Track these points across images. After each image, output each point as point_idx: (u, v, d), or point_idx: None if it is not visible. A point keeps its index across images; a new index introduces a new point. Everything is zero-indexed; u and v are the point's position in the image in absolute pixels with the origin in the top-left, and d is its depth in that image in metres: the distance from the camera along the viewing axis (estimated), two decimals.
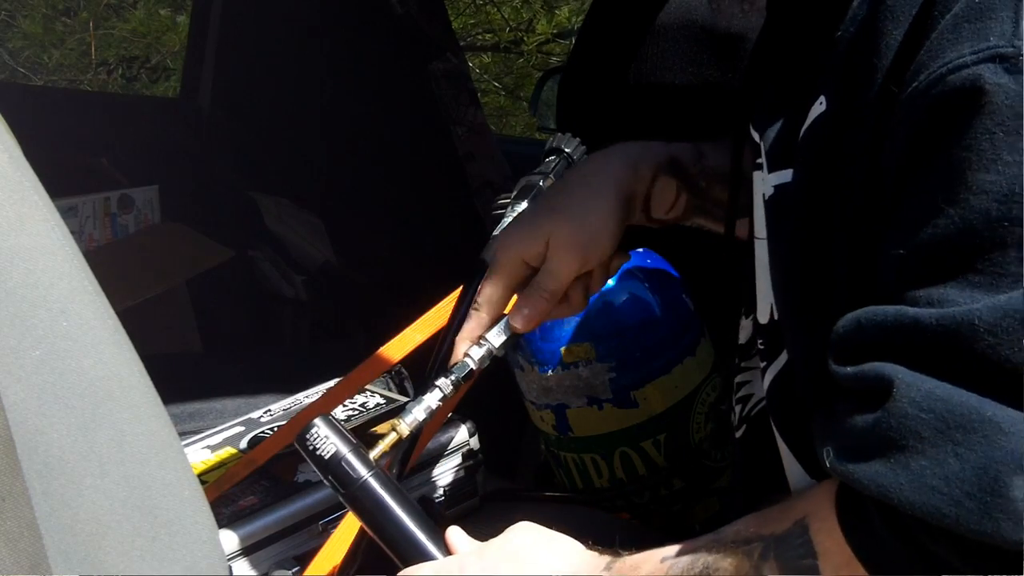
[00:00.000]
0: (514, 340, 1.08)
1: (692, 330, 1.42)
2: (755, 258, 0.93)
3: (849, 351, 0.69)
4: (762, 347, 0.93)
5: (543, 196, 1.14)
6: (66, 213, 2.38)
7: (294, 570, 1.23)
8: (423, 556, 0.97)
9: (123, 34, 4.78)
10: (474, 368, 1.06)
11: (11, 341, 0.68)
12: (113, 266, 2.35)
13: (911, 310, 0.65)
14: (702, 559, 0.78)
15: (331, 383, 1.49)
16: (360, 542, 1.11)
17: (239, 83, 2.81)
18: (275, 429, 1.44)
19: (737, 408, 1.04)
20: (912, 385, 0.63)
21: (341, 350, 1.99)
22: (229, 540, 1.21)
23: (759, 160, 0.90)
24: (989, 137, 0.62)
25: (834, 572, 0.70)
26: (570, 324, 1.37)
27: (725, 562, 0.76)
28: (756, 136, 0.91)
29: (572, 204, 1.07)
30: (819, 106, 0.78)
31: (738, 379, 1.05)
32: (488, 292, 1.07)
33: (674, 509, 1.44)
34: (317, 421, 1.00)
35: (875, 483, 0.65)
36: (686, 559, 0.79)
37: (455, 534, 0.97)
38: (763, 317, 0.92)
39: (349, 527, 1.15)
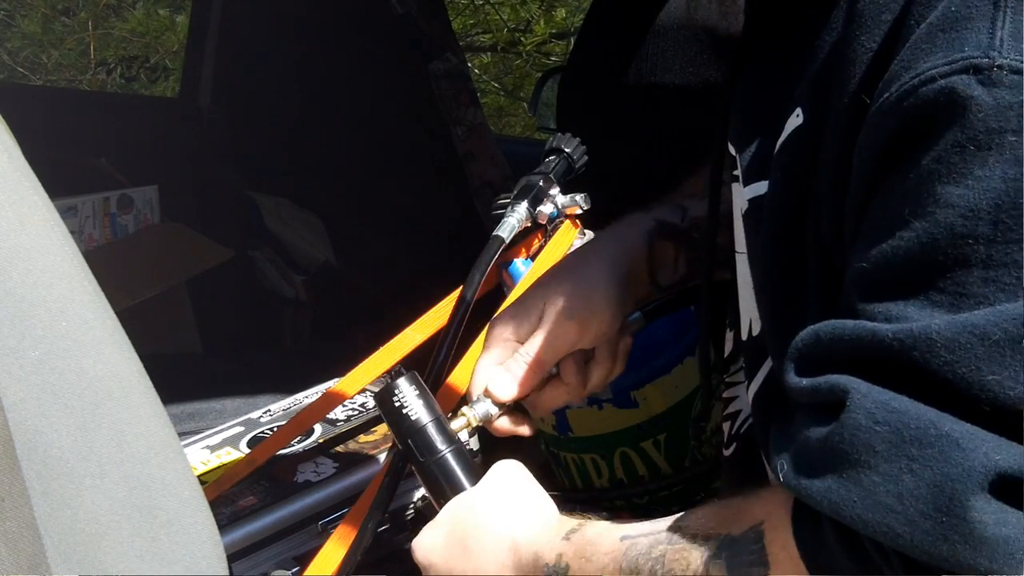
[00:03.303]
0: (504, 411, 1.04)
1: (692, 330, 1.42)
2: (737, 273, 0.93)
3: (807, 364, 0.67)
4: (744, 364, 0.93)
5: (536, 280, 1.11)
6: (66, 213, 2.38)
7: (294, 570, 1.23)
8: None
9: (122, 34, 4.77)
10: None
11: (11, 341, 0.68)
12: (113, 266, 2.35)
13: (869, 324, 0.63)
14: (659, 548, 0.77)
15: (331, 383, 1.49)
16: (360, 542, 1.11)
17: (239, 83, 2.81)
18: (275, 429, 1.44)
19: (726, 425, 1.03)
20: (867, 396, 0.61)
21: (341, 350, 1.99)
22: (229, 540, 1.21)
23: (735, 173, 0.89)
24: (960, 151, 0.60)
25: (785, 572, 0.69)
26: None
27: (679, 555, 0.75)
28: (733, 150, 0.90)
29: (566, 279, 1.05)
30: (796, 118, 0.76)
31: (726, 395, 1.04)
32: (478, 378, 1.03)
33: (674, 509, 1.44)
34: (404, 380, 0.96)
35: (827, 499, 0.62)
36: (644, 543, 0.79)
37: None
38: (744, 334, 0.92)
39: (349, 527, 1.15)
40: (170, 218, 2.62)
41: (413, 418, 0.95)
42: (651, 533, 0.79)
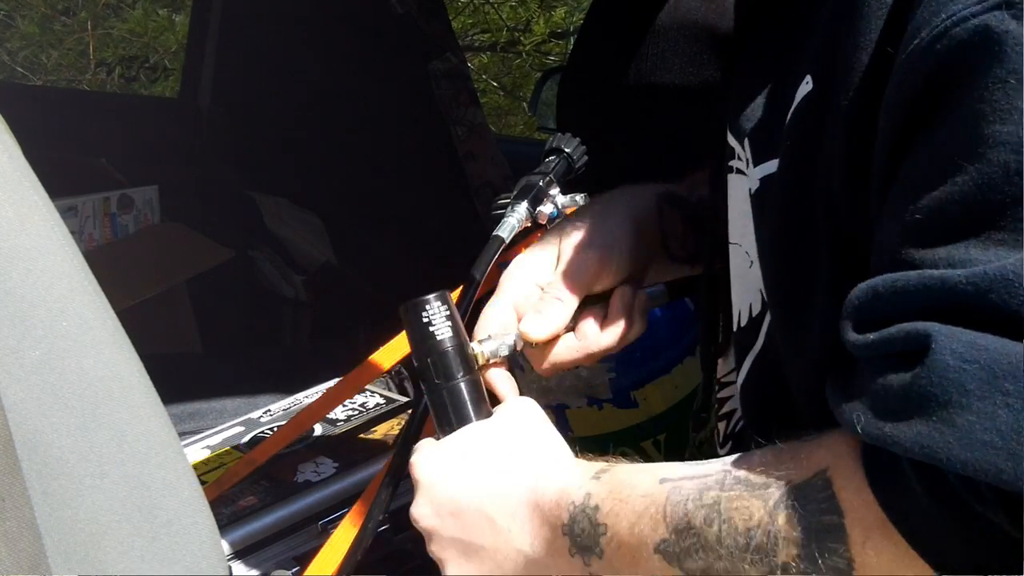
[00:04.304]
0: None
1: (692, 330, 1.42)
2: (730, 264, 0.92)
3: (867, 319, 0.64)
4: (733, 355, 0.92)
5: (549, 230, 1.08)
6: (66, 213, 2.38)
7: (294, 570, 1.23)
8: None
9: (121, 34, 4.77)
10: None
11: (11, 341, 0.68)
12: (113, 266, 2.35)
13: (936, 272, 0.60)
14: (711, 494, 0.71)
15: (331, 383, 1.49)
16: (360, 542, 1.11)
17: (239, 83, 2.81)
18: (275, 429, 1.44)
19: (721, 425, 1.02)
20: (951, 337, 0.58)
21: (341, 350, 1.99)
22: (229, 540, 1.21)
23: (732, 163, 0.89)
24: (1002, 87, 0.59)
25: (863, 535, 0.64)
26: None
27: (737, 503, 0.69)
28: (733, 140, 0.89)
29: (581, 220, 1.02)
30: (805, 86, 0.75)
31: (721, 394, 1.03)
32: (491, 319, 0.98)
33: None
34: (436, 297, 0.91)
35: (919, 445, 0.59)
36: (690, 487, 0.72)
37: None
38: (734, 324, 0.91)
39: (349, 527, 1.15)
40: (170, 218, 2.62)
41: (439, 337, 0.90)
42: (696, 477, 0.73)
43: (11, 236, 0.69)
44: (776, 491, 0.68)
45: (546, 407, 1.42)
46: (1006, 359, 0.57)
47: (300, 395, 1.57)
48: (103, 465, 0.71)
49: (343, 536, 1.15)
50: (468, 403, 0.90)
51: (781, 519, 0.67)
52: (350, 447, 1.41)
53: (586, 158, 1.26)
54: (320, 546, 1.17)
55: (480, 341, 0.94)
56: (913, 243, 0.63)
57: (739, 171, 0.88)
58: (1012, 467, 0.56)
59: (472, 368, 0.91)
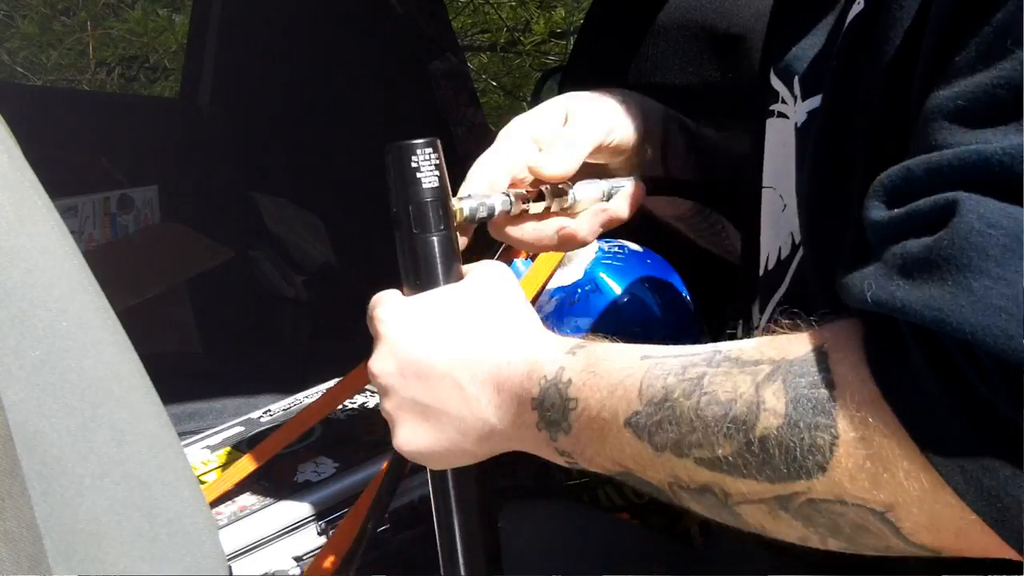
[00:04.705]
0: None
1: (692, 330, 1.42)
2: (761, 210, 0.89)
3: (898, 198, 0.60)
4: (758, 299, 0.89)
5: (555, 98, 0.99)
6: (66, 213, 2.38)
7: (294, 570, 1.23)
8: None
9: (121, 34, 4.77)
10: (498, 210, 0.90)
11: (11, 341, 0.68)
12: (113, 266, 2.35)
13: (972, 146, 0.57)
14: (695, 370, 0.66)
15: (331, 383, 1.49)
16: (360, 542, 1.11)
17: (239, 83, 2.81)
18: (275, 429, 1.44)
19: None
20: (980, 203, 0.55)
21: (341, 350, 1.99)
22: (229, 540, 1.21)
23: (774, 107, 0.86)
24: None
25: (850, 409, 0.60)
26: (571, 325, 1.37)
27: (722, 378, 0.65)
28: (778, 82, 0.86)
29: (594, 93, 0.96)
30: (856, 7, 0.73)
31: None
32: (477, 177, 0.91)
33: (673, 509, 1.44)
34: (428, 144, 0.85)
35: (928, 307, 0.56)
36: (674, 364, 0.68)
37: None
38: (761, 268, 0.89)
39: (349, 527, 1.15)
40: (170, 218, 2.62)
41: (424, 185, 0.85)
42: (682, 355, 0.68)
43: (11, 236, 0.69)
44: (767, 367, 0.64)
45: None
46: None
47: (300, 395, 1.57)
48: (103, 465, 0.71)
49: (343, 536, 1.15)
50: (441, 260, 0.86)
51: (767, 391, 0.62)
52: (350, 447, 1.41)
53: None
54: (320, 546, 1.17)
55: (461, 198, 0.89)
56: (954, 128, 0.59)
57: (781, 114, 0.86)
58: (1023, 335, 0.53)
59: (451, 223, 0.86)
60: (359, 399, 1.51)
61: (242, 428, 1.48)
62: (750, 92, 0.97)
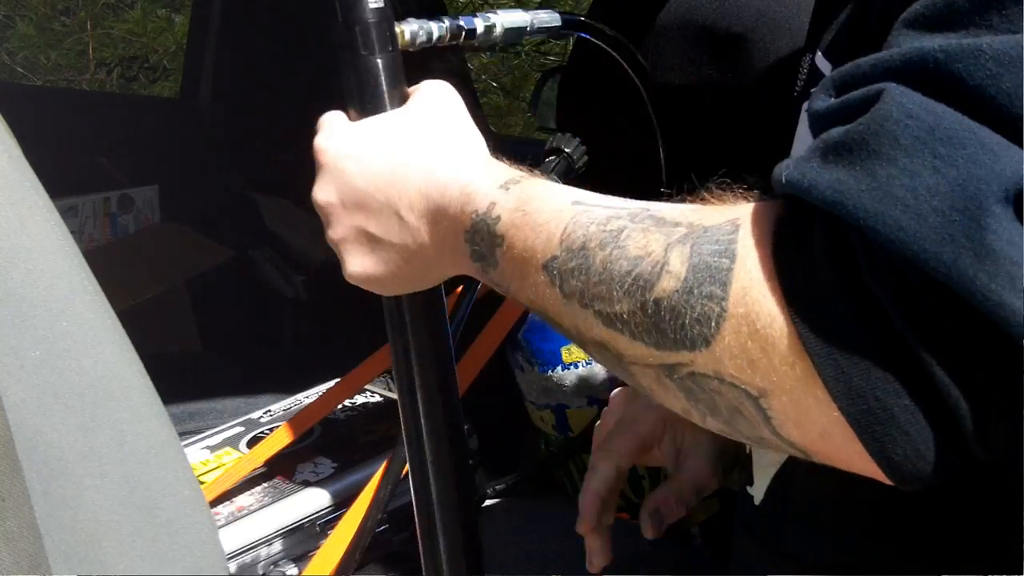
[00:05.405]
0: None
1: None
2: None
3: (844, 90, 0.60)
4: None
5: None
6: (66, 213, 2.38)
7: (294, 570, 1.23)
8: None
9: (121, 34, 4.77)
10: None
11: (11, 341, 0.68)
12: (113, 266, 2.35)
13: (916, 45, 0.57)
14: (617, 222, 0.66)
15: (331, 383, 1.49)
16: (360, 542, 1.11)
17: (239, 82, 2.81)
18: (275, 429, 1.44)
19: None
20: (905, 94, 0.55)
21: (341, 350, 1.99)
22: (229, 540, 1.21)
23: (814, 90, 0.87)
24: None
25: (743, 284, 0.59)
26: None
27: (640, 234, 0.64)
28: (825, 61, 0.84)
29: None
30: None
31: None
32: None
33: None
34: None
35: (832, 189, 0.55)
36: (600, 214, 0.68)
37: None
38: None
39: (349, 527, 1.15)
40: (170, 218, 2.62)
41: (371, 6, 0.86)
42: (612, 207, 0.68)
43: (11, 236, 0.69)
44: (683, 230, 0.63)
45: (546, 407, 1.42)
46: (950, 125, 0.54)
47: (300, 395, 1.57)
48: (103, 465, 0.71)
49: (342, 536, 1.15)
50: (387, 82, 0.86)
51: (674, 253, 0.62)
52: (349, 447, 1.41)
53: (586, 158, 1.26)
54: (320, 546, 1.17)
55: (406, 21, 0.90)
56: (911, 32, 0.59)
57: None
58: (915, 227, 0.53)
59: (396, 45, 0.88)
60: (359, 399, 1.51)
61: (242, 428, 1.48)
62: (779, 80, 0.96)
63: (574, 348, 1.37)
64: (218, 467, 1.37)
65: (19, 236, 0.69)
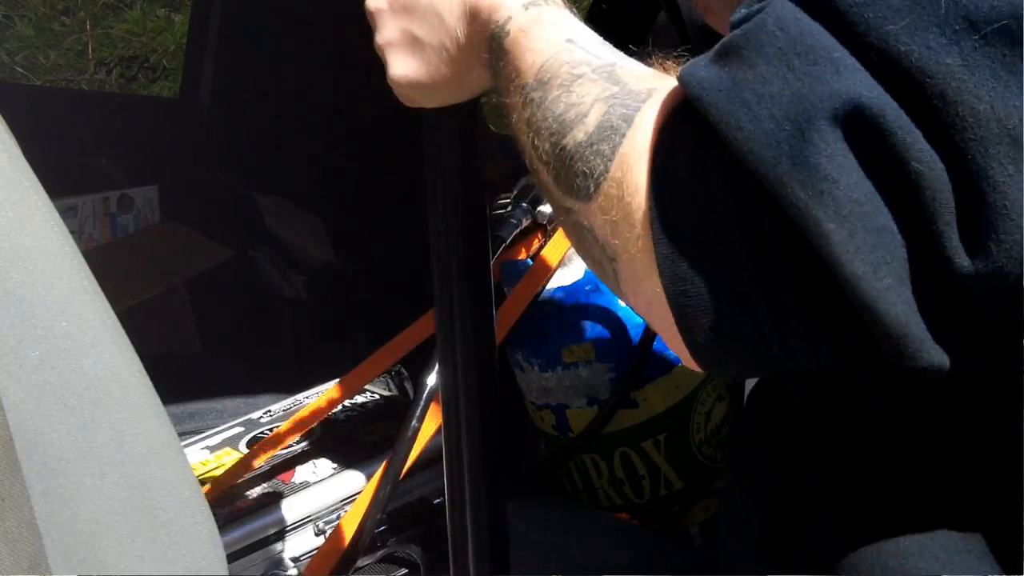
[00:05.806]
0: None
1: None
2: None
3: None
4: None
5: None
6: (66, 213, 2.38)
7: (294, 570, 1.23)
8: None
9: (120, 34, 4.77)
10: None
11: (11, 341, 0.68)
12: (113, 266, 2.35)
13: None
14: (584, 68, 0.71)
15: (331, 383, 1.49)
16: (360, 541, 1.11)
17: (239, 82, 2.81)
18: (275, 429, 1.44)
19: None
20: (785, 7, 0.59)
21: (341, 350, 1.99)
22: (229, 540, 1.21)
23: None
24: None
25: (626, 149, 0.64)
26: (570, 324, 1.37)
27: (588, 84, 0.69)
28: None
29: None
30: None
31: None
32: None
33: (674, 509, 1.44)
34: None
35: (700, 85, 0.60)
36: (579, 56, 0.73)
37: None
38: None
39: (348, 527, 1.15)
40: (170, 218, 2.62)
41: None
42: (590, 53, 0.73)
43: (11, 236, 0.69)
44: (617, 88, 0.68)
45: (546, 406, 1.42)
46: (813, 42, 0.57)
47: (300, 395, 1.57)
48: (103, 465, 0.71)
49: (342, 536, 1.15)
50: None
51: (595, 108, 0.67)
52: (349, 447, 1.41)
53: None
54: (320, 546, 1.17)
55: None
56: None
57: None
58: (749, 128, 0.57)
59: None
60: (359, 399, 1.51)
61: (242, 428, 1.48)
62: None
63: (574, 348, 1.37)
64: (218, 467, 1.37)
65: (19, 236, 0.69)
